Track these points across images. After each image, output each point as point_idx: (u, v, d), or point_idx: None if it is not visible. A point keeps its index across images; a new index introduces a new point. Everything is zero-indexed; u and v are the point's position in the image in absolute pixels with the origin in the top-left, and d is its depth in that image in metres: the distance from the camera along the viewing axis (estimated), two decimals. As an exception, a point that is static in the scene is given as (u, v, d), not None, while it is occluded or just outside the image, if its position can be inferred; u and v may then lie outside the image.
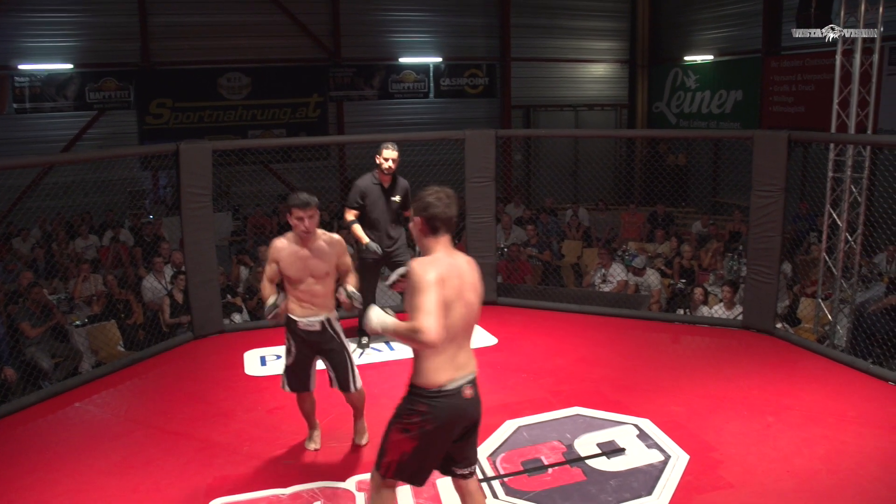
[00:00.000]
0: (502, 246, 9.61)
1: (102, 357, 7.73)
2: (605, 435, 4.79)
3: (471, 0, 15.92)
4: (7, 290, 8.66)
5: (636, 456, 4.51)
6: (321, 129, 14.98)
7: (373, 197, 6.28)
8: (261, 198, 13.25)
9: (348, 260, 4.46)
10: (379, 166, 6.24)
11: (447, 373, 3.08)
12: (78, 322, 8.07)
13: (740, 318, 6.88)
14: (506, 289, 7.87)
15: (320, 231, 4.36)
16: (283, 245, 4.32)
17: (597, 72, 17.33)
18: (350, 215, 6.32)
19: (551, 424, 4.98)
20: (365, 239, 6.25)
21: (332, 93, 15.15)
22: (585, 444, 4.66)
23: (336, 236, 4.42)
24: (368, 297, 6.19)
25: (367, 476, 4.33)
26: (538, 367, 6.02)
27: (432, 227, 3.11)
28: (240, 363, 6.22)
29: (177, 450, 4.75)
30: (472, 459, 3.33)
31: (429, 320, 2.89)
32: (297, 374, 4.47)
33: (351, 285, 4.42)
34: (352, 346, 4.65)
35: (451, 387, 3.09)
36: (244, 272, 9.24)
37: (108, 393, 5.86)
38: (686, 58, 16.06)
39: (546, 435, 4.82)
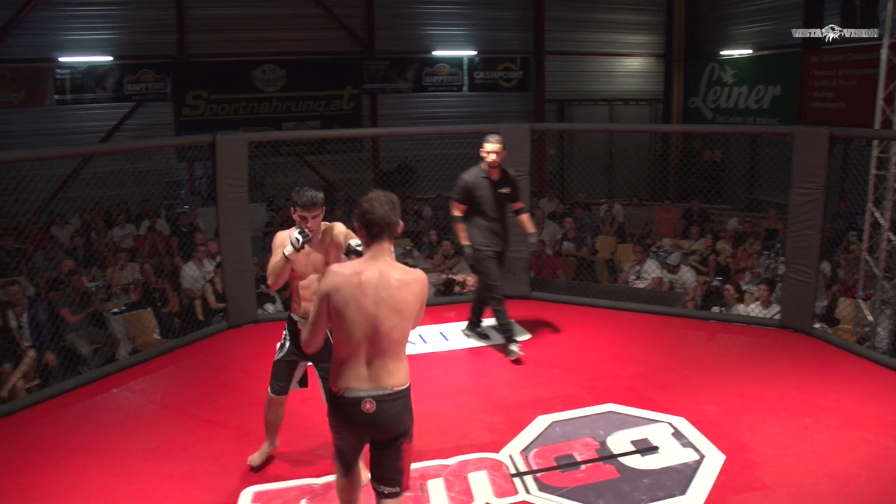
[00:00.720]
0: (537, 240, 9.55)
1: (139, 344, 7.84)
2: (638, 433, 4.74)
3: (506, -7, 15.86)
4: (48, 278, 8.81)
5: (670, 454, 4.46)
6: (355, 121, 15.03)
7: (482, 190, 6.04)
8: (295, 189, 13.29)
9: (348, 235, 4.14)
10: (484, 159, 6.05)
11: (345, 381, 3.10)
12: (115, 309, 8.19)
13: (777, 317, 6.79)
14: (539, 283, 7.83)
15: (323, 224, 4.17)
16: (287, 238, 4.10)
17: (632, 66, 17.17)
18: (456, 210, 6.13)
19: (584, 421, 4.95)
20: (465, 241, 6.10)
21: (365, 85, 15.18)
22: (619, 442, 4.63)
23: (336, 225, 4.19)
24: (495, 291, 6.16)
25: (399, 468, 4.35)
26: (571, 362, 5.98)
27: (369, 232, 3.09)
28: (273, 353, 6.23)
29: (211, 437, 4.80)
30: (386, 479, 3.20)
31: (304, 331, 3.25)
32: (278, 375, 4.33)
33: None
34: None
35: (348, 395, 3.09)
36: (278, 263, 9.30)
37: (144, 380, 5.94)
38: (723, 52, 15.84)
39: (579, 431, 4.79)
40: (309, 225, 4.02)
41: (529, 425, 4.86)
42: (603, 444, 4.61)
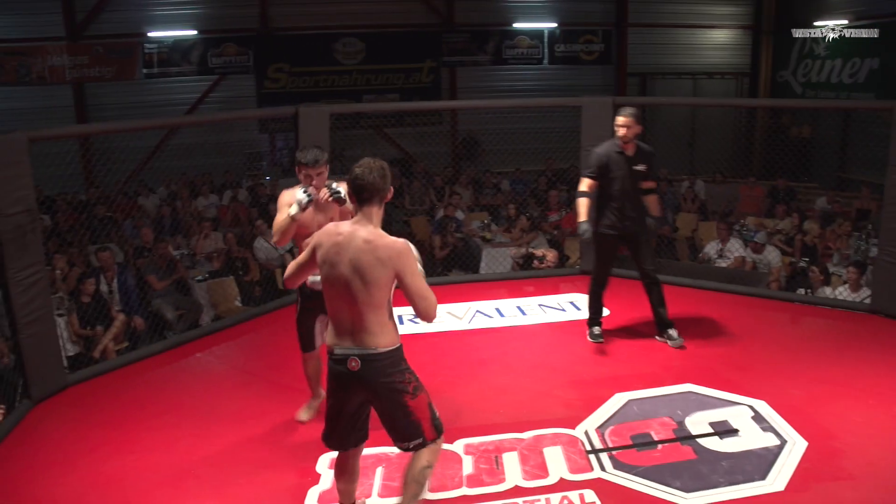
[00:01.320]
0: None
1: (221, 311, 8.06)
2: (717, 414, 4.65)
3: (588, -36, 15.51)
4: (135, 245, 9.13)
5: (750, 438, 4.35)
6: (434, 94, 14.99)
7: (615, 166, 5.56)
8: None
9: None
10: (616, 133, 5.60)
11: (331, 338, 3.25)
12: (199, 277, 8.43)
13: (867, 301, 6.53)
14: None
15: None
16: (293, 196, 4.21)
17: (718, 38, 16.59)
18: (583, 185, 5.65)
19: (662, 400, 4.88)
20: (581, 217, 5.61)
21: (445, 58, 15.12)
22: (697, 423, 4.54)
23: (340, 184, 4.20)
24: (599, 277, 5.88)
25: (475, 440, 4.39)
26: (649, 340, 5.89)
27: (359, 197, 3.17)
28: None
29: (291, 403, 4.91)
30: (406, 436, 3.30)
31: (289, 266, 3.40)
32: (301, 332, 4.52)
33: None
34: None
35: (336, 352, 3.22)
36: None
37: (226, 346, 6.13)
38: (816, 23, 15.16)
39: (656, 410, 4.73)
40: (314, 183, 4.17)
41: (606, 402, 4.83)
42: (681, 424, 4.53)
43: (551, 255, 8.59)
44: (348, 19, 14.51)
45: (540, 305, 6.76)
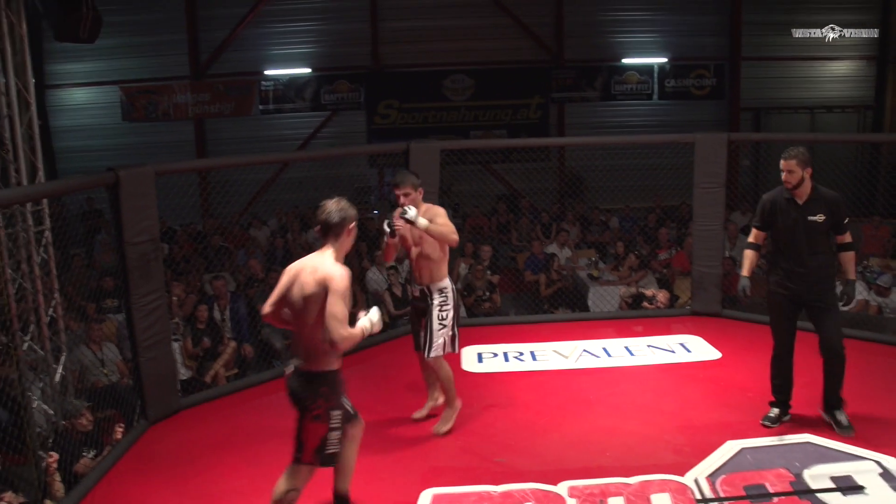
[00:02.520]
0: (728, 255, 9.03)
1: (328, 342, 8.20)
2: (840, 468, 4.36)
3: (700, -3, 15.27)
4: (247, 275, 9.45)
5: (878, 497, 4.04)
6: (542, 130, 15.01)
7: (782, 215, 4.86)
8: (480, 197, 13.50)
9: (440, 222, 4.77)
10: None
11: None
12: (308, 308, 8.61)
13: None
14: (731, 301, 7.44)
15: (426, 206, 4.85)
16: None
17: (838, 70, 15.92)
18: (751, 236, 5.14)
19: (778, 450, 4.63)
20: (745, 272, 5.09)
21: (553, 94, 15.13)
22: (817, 477, 4.27)
23: (437, 208, 4.87)
24: (777, 343, 5.14)
25: (579, 482, 4.28)
26: (765, 386, 5.58)
27: (320, 231, 3.64)
28: (457, 358, 6.34)
29: (394, 437, 4.93)
30: (295, 444, 3.59)
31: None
32: (413, 333, 5.16)
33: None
34: (440, 317, 4.91)
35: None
36: (463, 269, 9.44)
37: (333, 377, 6.21)
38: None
39: (772, 461, 4.48)
40: (401, 200, 4.73)
41: (718, 450, 4.62)
42: (798, 476, 4.28)
43: (662, 296, 8.32)
44: (457, 56, 14.77)
45: (649, 346, 6.58)
